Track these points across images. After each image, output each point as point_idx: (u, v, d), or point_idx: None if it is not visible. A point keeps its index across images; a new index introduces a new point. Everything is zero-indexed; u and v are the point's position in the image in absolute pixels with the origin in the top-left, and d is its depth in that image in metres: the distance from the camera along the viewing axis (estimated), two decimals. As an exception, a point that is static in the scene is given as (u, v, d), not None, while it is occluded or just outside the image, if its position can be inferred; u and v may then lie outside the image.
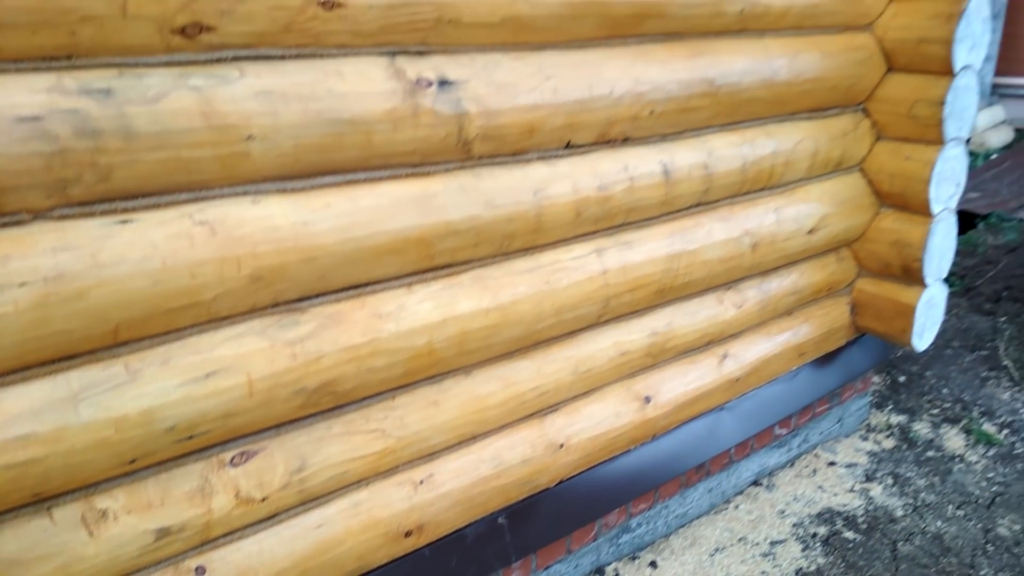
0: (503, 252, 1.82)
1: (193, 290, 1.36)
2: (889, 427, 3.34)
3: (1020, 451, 3.18)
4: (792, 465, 3.11)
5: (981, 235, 5.44)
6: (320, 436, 1.65)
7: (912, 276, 2.69)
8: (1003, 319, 4.30)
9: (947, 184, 2.58)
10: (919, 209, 2.61)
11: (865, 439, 3.29)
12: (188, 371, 1.41)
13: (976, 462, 3.11)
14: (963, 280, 4.94)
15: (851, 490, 2.96)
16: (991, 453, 3.17)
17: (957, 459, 3.14)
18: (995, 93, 8.07)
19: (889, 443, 3.25)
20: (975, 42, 2.46)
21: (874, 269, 2.82)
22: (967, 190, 5.99)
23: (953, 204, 2.64)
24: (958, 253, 5.15)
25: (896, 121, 2.57)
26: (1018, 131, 7.57)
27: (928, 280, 2.68)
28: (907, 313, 2.73)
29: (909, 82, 2.51)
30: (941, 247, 2.66)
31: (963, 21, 2.37)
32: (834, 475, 3.05)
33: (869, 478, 3.03)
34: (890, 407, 3.50)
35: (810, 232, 2.55)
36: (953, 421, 3.38)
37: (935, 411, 3.46)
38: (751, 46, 2.17)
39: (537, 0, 1.66)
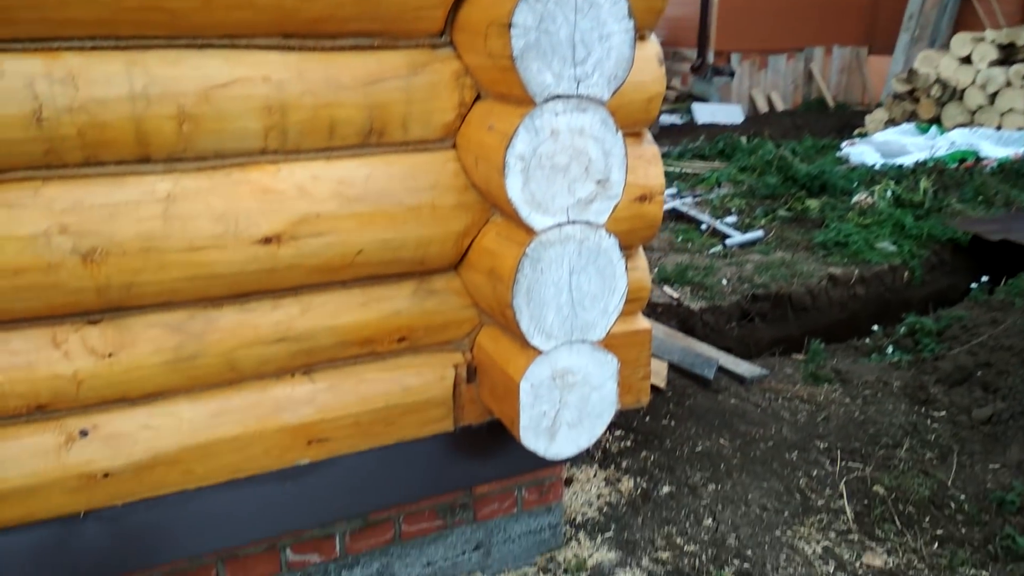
0: None
1: None
2: (580, 571, 2.16)
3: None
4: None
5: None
6: None
7: (514, 331, 1.62)
8: (938, 415, 2.97)
9: (560, 180, 1.52)
10: (512, 216, 1.56)
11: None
12: None
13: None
14: (919, 347, 3.63)
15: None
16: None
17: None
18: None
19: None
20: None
21: (489, 313, 1.76)
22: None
23: (590, 216, 1.56)
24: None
25: (486, 64, 1.54)
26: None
27: (535, 341, 1.59)
28: (511, 392, 1.65)
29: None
30: (562, 288, 1.58)
31: None
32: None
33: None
34: (603, 536, 2.28)
35: (270, 241, 1.54)
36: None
37: (668, 555, 2.21)
38: None
39: None
